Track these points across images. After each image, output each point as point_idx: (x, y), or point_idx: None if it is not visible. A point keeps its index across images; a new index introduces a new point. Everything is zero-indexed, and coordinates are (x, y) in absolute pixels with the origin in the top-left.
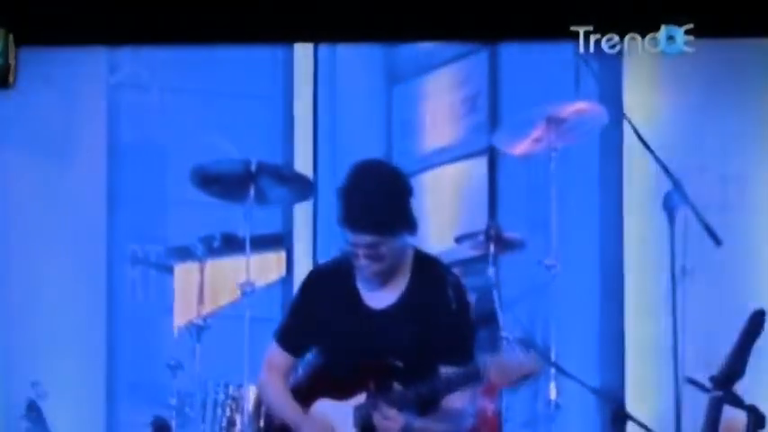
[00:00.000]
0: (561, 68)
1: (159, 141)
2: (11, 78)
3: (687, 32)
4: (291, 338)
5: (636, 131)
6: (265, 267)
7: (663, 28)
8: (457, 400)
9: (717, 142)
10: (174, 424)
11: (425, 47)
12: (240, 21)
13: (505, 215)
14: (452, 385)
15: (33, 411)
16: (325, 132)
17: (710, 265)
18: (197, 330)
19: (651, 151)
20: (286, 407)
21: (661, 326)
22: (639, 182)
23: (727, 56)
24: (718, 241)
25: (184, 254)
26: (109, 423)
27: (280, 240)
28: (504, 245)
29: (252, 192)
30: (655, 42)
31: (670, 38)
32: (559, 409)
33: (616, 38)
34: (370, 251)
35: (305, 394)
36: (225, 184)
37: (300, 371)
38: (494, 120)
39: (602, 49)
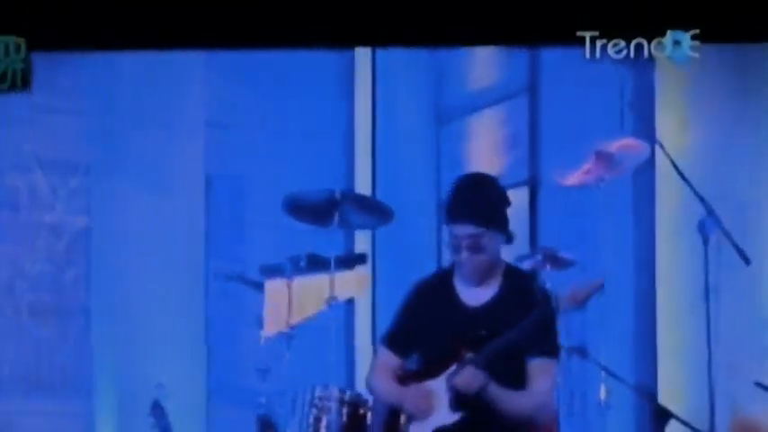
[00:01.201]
0: (593, 107)
1: (248, 173)
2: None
3: (693, 37)
4: (399, 342)
5: (672, 162)
6: (347, 284)
7: (669, 33)
8: (540, 382)
9: (737, 172)
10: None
11: (470, 91)
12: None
13: (545, 237)
14: (521, 333)
15: (158, 409)
16: (383, 166)
17: (738, 282)
18: (287, 339)
19: (686, 181)
20: (392, 392)
21: (688, 333)
22: (670, 204)
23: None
24: (747, 261)
25: (275, 271)
26: (208, 421)
27: (360, 260)
28: (559, 263)
29: (336, 218)
30: (661, 47)
31: (676, 43)
32: (610, 408)
33: (622, 43)
34: (471, 241)
35: (407, 381)
36: (313, 211)
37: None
38: (533, 155)
39: (609, 55)
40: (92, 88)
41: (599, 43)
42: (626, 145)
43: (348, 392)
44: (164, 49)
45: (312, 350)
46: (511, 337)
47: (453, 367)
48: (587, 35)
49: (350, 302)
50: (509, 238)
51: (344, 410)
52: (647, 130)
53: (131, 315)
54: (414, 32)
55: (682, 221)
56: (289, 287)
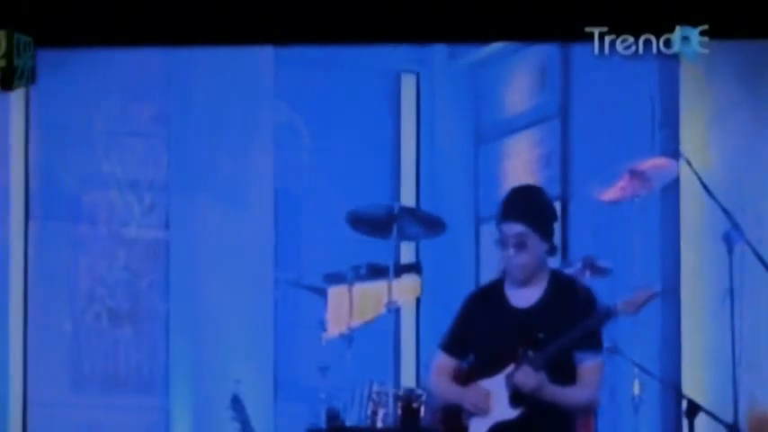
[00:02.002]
0: (620, 129)
1: (310, 188)
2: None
3: (702, 33)
4: (456, 347)
5: (700, 179)
6: (402, 290)
7: (678, 29)
8: (589, 379)
9: (755, 186)
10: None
11: (506, 115)
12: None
13: (576, 247)
14: (577, 335)
15: (237, 403)
16: (426, 181)
17: (759, 287)
18: (347, 340)
19: (712, 195)
20: (452, 393)
21: (710, 333)
22: (694, 215)
23: None
24: None
25: (337, 279)
26: (276, 414)
27: (414, 268)
28: (597, 271)
29: (395, 230)
30: (669, 43)
31: (685, 38)
32: (642, 403)
33: (630, 39)
34: (517, 240)
35: (465, 380)
36: (374, 224)
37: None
38: (564, 173)
39: (618, 52)
40: (166, 111)
41: (608, 39)
42: (657, 164)
43: (402, 388)
44: (172, 46)
45: (368, 350)
46: (565, 341)
47: (511, 367)
48: (596, 31)
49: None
50: (551, 249)
51: (399, 404)
52: (674, 149)
53: (206, 318)
54: (421, 30)
55: (705, 231)
56: (350, 293)
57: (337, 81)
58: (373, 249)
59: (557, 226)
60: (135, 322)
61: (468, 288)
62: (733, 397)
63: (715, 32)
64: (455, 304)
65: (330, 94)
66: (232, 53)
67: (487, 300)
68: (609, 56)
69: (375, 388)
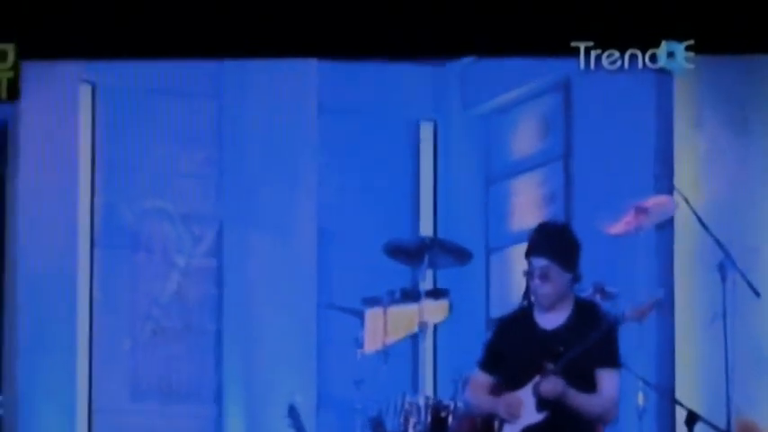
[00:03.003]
0: (616, 168)
1: (348, 223)
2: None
3: (687, 48)
4: (491, 364)
5: (697, 216)
6: (431, 312)
7: (663, 44)
8: (607, 389)
9: (746, 219)
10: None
11: (514, 158)
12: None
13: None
14: (592, 342)
15: (293, 412)
16: (442, 216)
17: (747, 309)
18: (383, 355)
19: (707, 229)
20: (486, 402)
21: (701, 349)
22: (688, 245)
23: None
24: (757, 294)
25: (374, 302)
26: (318, 423)
27: (443, 293)
28: (605, 295)
29: (426, 259)
30: (655, 58)
31: (670, 54)
32: (646, 413)
33: (616, 53)
34: (542, 272)
35: (499, 393)
36: (408, 253)
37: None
38: (567, 210)
39: (604, 66)
40: (215, 155)
41: (593, 54)
42: (659, 202)
43: (432, 399)
44: (160, 58)
45: (400, 365)
46: (580, 349)
47: (537, 378)
48: (582, 45)
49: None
50: (576, 277)
51: (429, 413)
52: (668, 186)
53: (256, 337)
54: (408, 43)
55: (696, 258)
56: (385, 314)
57: (366, 128)
58: (400, 276)
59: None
60: (185, 339)
61: (480, 310)
62: (726, 406)
63: (700, 47)
64: (468, 325)
65: (359, 139)
66: (278, 100)
67: (518, 322)
68: (595, 71)
69: (407, 399)
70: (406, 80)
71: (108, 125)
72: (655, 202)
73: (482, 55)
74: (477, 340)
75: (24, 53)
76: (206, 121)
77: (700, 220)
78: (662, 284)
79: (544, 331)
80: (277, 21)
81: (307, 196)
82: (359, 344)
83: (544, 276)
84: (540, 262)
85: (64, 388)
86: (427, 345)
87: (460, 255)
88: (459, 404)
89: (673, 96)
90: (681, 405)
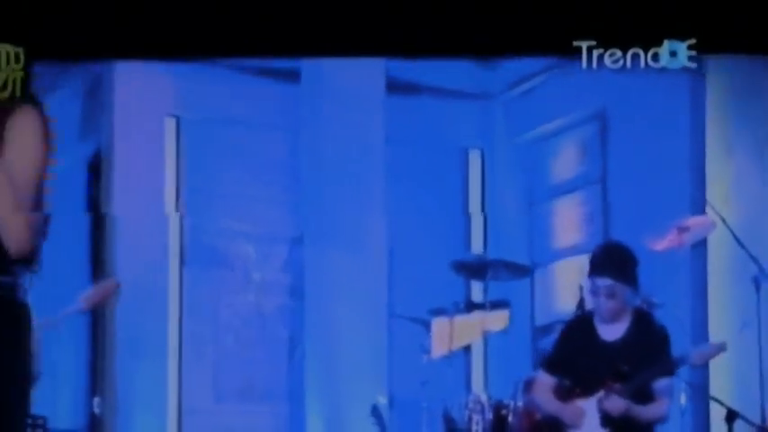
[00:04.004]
0: (651, 189)
1: (415, 239)
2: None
3: (690, 47)
4: (554, 367)
5: (733, 234)
6: (493, 321)
7: (665, 43)
8: (664, 399)
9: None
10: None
11: (555, 181)
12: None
13: None
14: (656, 375)
15: (376, 411)
16: (491, 236)
17: None
18: (449, 360)
19: (742, 245)
20: (552, 404)
21: (736, 354)
22: (721, 258)
23: None
24: None
25: (440, 312)
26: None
27: (504, 304)
28: (652, 305)
29: (489, 274)
30: (657, 57)
31: (672, 53)
32: (687, 413)
33: (619, 53)
34: (607, 291)
35: (563, 397)
36: (473, 269)
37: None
38: (605, 229)
39: (606, 65)
40: (290, 180)
41: (596, 53)
42: (698, 221)
43: (493, 398)
44: (165, 59)
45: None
46: (646, 376)
47: (602, 393)
48: (584, 45)
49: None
50: (636, 290)
51: (490, 411)
52: (703, 209)
53: (334, 343)
54: (407, 42)
55: (729, 271)
56: (450, 323)
57: (422, 156)
58: (454, 289)
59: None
60: (262, 346)
61: (525, 319)
62: (761, 409)
63: (703, 46)
64: (515, 332)
65: (417, 165)
66: (349, 132)
67: (580, 330)
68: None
69: (471, 398)
70: (457, 113)
71: (192, 154)
72: (695, 221)
73: (483, 55)
74: (523, 345)
75: (35, 54)
76: (282, 151)
77: (735, 237)
78: (697, 296)
79: (605, 343)
80: (264, 23)
81: (377, 217)
82: (424, 349)
83: (610, 295)
84: (605, 281)
85: (156, 391)
86: (478, 352)
87: (519, 270)
88: (519, 404)
89: (705, 123)
90: (721, 404)
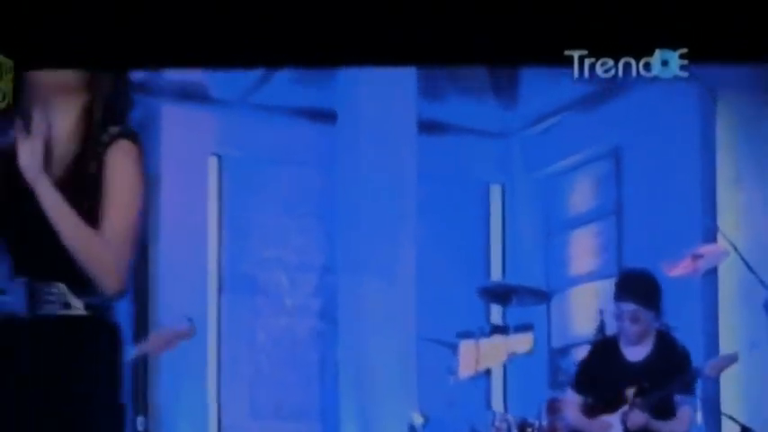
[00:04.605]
0: (663, 220)
1: (440, 268)
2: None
3: (682, 56)
4: (581, 386)
5: (745, 261)
6: (518, 343)
7: (657, 52)
8: (685, 416)
9: None
10: None
11: (571, 213)
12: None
13: None
14: (674, 389)
15: (413, 430)
16: (510, 265)
17: None
18: (475, 382)
19: (752, 270)
20: (580, 420)
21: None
22: (730, 278)
23: None
24: None
25: (467, 335)
26: None
27: (528, 327)
28: (667, 328)
29: (514, 300)
30: (649, 66)
31: (664, 62)
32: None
33: (610, 62)
34: (632, 316)
35: (590, 414)
36: (499, 295)
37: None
38: (619, 257)
39: (597, 74)
40: (322, 212)
41: (587, 62)
42: (712, 249)
43: (518, 417)
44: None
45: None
46: (666, 392)
47: (625, 407)
48: (575, 54)
49: None
50: (659, 314)
51: (516, 430)
52: (714, 238)
53: (367, 364)
54: (398, 51)
55: (740, 294)
56: (477, 346)
57: (446, 190)
58: (476, 314)
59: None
60: (294, 366)
61: (543, 345)
62: None
63: (695, 56)
64: (534, 356)
65: (442, 199)
66: (382, 167)
67: (606, 352)
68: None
69: (497, 416)
70: (479, 150)
71: (232, 189)
72: (708, 249)
73: (473, 64)
74: (541, 366)
75: (23, 63)
76: (313, 185)
77: (747, 264)
78: (708, 318)
79: (629, 363)
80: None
81: (407, 247)
82: (451, 371)
83: (634, 319)
84: (630, 306)
85: (197, 409)
86: (499, 370)
87: (540, 296)
88: (543, 423)
89: (715, 155)
90: (735, 421)
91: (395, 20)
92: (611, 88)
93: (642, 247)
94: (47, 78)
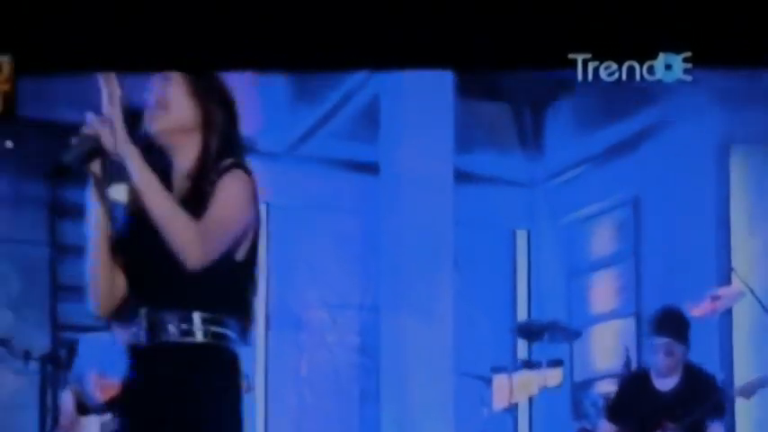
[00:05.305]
0: (678, 264)
1: (471, 308)
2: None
3: (685, 60)
4: (615, 416)
5: (757, 298)
6: (550, 378)
7: (661, 56)
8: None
9: None
10: None
11: (592, 257)
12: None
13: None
14: (705, 412)
15: None
16: (535, 306)
17: None
18: (510, 412)
19: (764, 307)
20: None
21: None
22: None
23: None
24: None
25: (501, 370)
26: None
27: (558, 363)
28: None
29: (546, 336)
30: (653, 70)
31: (668, 66)
32: None
33: (614, 66)
34: (666, 349)
35: None
36: (533, 333)
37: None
38: (638, 299)
39: (602, 78)
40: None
41: (591, 66)
42: (730, 290)
43: None
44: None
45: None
46: (697, 415)
47: None
48: (579, 58)
49: None
50: (687, 348)
51: None
52: (726, 272)
53: (407, 397)
54: (401, 55)
55: (752, 334)
56: (510, 380)
57: (475, 236)
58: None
59: (632, 336)
60: (336, 398)
61: (566, 378)
62: None
63: (698, 59)
64: (557, 387)
65: (472, 244)
66: (421, 214)
67: (638, 382)
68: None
69: None
70: (506, 198)
71: (280, 235)
72: (726, 291)
73: (477, 68)
74: (564, 398)
75: (21, 66)
76: (354, 231)
77: (762, 304)
78: (723, 355)
79: (660, 392)
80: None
81: (444, 288)
82: (485, 403)
83: (668, 353)
84: (663, 340)
85: None
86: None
87: (572, 333)
88: None
89: (729, 203)
90: None
91: (395, 20)
92: (630, 141)
93: (659, 288)
94: (163, 124)
